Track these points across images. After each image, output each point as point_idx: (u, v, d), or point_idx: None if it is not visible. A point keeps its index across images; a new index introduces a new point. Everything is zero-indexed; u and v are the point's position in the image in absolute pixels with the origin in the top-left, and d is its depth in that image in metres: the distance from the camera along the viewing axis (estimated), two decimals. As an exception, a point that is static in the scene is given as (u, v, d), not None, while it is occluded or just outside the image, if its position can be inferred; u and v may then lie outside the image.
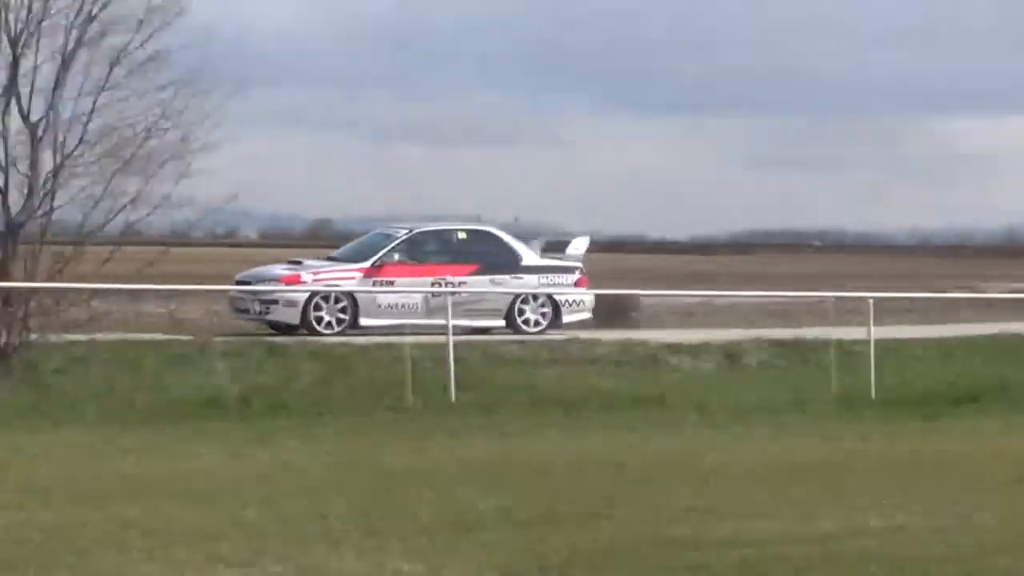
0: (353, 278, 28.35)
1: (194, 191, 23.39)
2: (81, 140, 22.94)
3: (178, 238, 25.42)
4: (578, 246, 30.05)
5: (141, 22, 22.89)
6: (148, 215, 23.59)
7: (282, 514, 12.61)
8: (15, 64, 22.60)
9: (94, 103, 22.94)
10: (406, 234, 29.02)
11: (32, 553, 10.89)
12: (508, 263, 29.30)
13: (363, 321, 27.93)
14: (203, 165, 23.36)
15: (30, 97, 22.75)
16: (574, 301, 28.96)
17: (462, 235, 29.97)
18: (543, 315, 28.62)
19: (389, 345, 25.22)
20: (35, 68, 22.77)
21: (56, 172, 22.93)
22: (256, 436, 18.58)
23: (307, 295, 27.87)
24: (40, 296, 22.90)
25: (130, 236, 24.07)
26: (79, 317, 22.97)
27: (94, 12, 22.71)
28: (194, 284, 30.48)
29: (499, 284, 28.73)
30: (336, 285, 28.15)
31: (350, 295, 28.00)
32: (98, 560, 10.63)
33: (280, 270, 29.31)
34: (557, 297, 28.78)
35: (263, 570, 10.32)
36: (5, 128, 22.70)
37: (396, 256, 28.62)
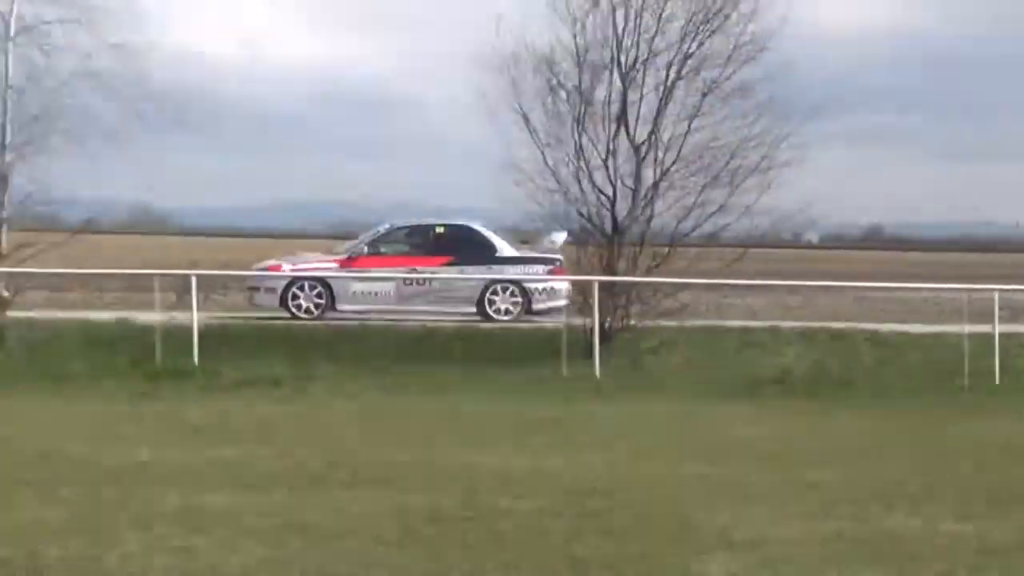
0: (329, 269, 27.07)
1: (772, 201, 23.32)
2: (677, 158, 23.22)
3: (754, 242, 25.30)
4: (555, 239, 27.20)
5: (729, 58, 23.04)
6: (731, 223, 23.66)
7: (845, 477, 12.47)
8: (624, 95, 23.12)
9: (688, 127, 23.20)
10: (385, 229, 27.34)
11: (632, 502, 11.12)
12: (482, 255, 27.07)
13: (340, 306, 26.67)
14: (781, 179, 23.27)
15: (636, 123, 23.21)
16: (545, 290, 26.76)
17: (440, 229, 27.60)
18: (514, 304, 26.72)
19: (938, 335, 24.55)
20: (641, 98, 23.23)
21: (655, 185, 23.32)
22: (822, 410, 18.43)
23: (287, 282, 26.77)
24: (639, 288, 23.34)
25: (715, 240, 24.22)
26: (671, 306, 23.28)
27: (691, 51, 23.01)
28: (771, 280, 30.41)
29: (471, 275, 26.68)
30: (310, 274, 26.88)
31: (324, 282, 26.71)
32: (683, 508, 10.77)
33: (271, 261, 27.89)
34: (528, 286, 26.74)
35: (828, 525, 10.20)
36: (615, 149, 23.25)
37: (366, 249, 27.09)
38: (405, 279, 26.35)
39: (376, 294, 26.84)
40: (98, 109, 22.66)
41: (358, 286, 26.77)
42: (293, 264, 27.41)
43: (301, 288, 26.75)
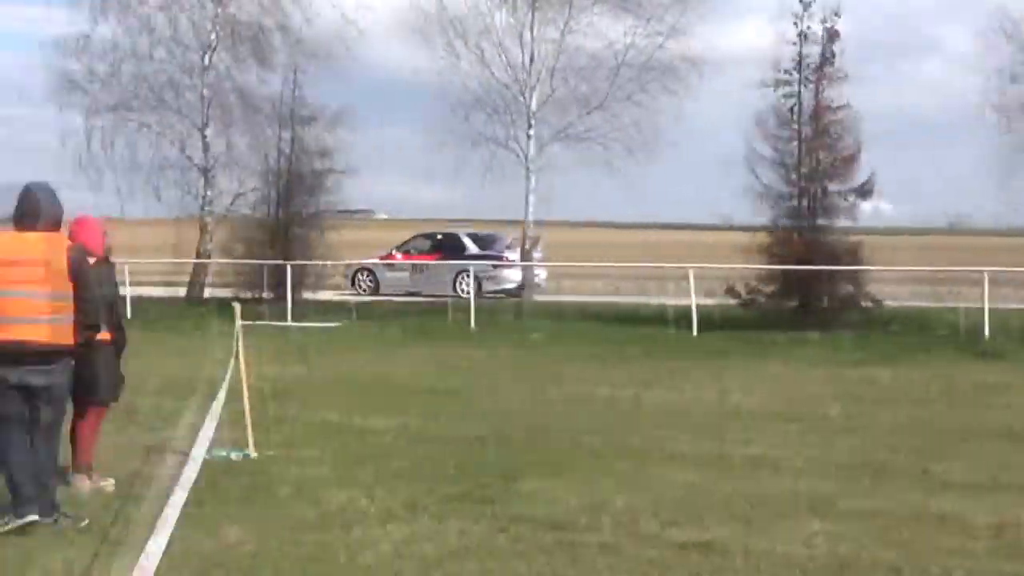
0: (374, 262, 32.96)
1: None
2: None
3: None
4: (505, 241, 32.35)
5: None
6: None
7: None
8: None
9: None
10: (411, 237, 33.77)
11: None
12: (458, 254, 31.94)
13: (383, 288, 32.25)
14: None
15: None
16: (491, 277, 30.67)
17: (439, 236, 33.59)
18: (470, 286, 28.89)
19: None
20: None
21: None
22: None
23: (354, 270, 32.64)
24: None
25: None
26: None
27: None
28: None
29: (449, 266, 31.08)
30: (363, 266, 32.89)
31: (371, 271, 32.77)
32: None
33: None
34: (479, 275, 29.77)
35: None
36: None
37: (394, 250, 33.17)
38: (413, 267, 32.41)
39: (399, 280, 32.58)
40: None
41: (388, 274, 32.80)
42: (359, 259, 33.00)
43: (362, 275, 32.86)
